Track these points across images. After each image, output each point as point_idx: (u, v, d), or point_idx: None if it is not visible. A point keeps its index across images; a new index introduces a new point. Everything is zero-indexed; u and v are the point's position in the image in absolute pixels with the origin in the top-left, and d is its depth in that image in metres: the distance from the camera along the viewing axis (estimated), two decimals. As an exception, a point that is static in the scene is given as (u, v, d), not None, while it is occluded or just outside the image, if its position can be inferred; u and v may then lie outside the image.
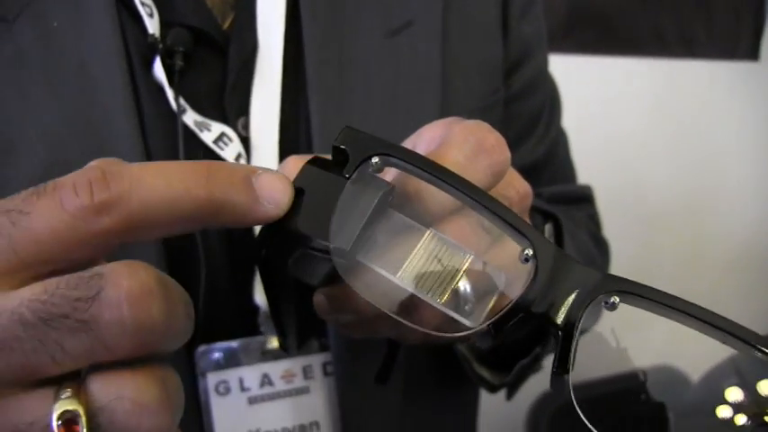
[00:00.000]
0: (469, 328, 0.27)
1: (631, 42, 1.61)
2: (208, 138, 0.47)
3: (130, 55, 0.46)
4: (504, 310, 0.26)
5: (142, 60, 0.47)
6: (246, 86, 0.49)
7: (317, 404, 0.50)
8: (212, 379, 0.48)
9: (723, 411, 0.29)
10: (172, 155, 0.46)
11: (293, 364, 0.50)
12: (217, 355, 0.48)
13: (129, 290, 0.22)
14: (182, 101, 0.46)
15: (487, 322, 0.27)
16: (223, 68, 0.49)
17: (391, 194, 0.29)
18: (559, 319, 0.26)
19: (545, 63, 0.64)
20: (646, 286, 0.26)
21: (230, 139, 0.48)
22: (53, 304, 0.22)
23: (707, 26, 1.69)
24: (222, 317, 0.49)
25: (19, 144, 0.44)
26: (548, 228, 0.52)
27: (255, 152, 0.48)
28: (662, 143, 1.64)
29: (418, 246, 0.28)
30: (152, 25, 0.46)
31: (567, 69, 0.68)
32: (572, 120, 0.68)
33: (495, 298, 0.28)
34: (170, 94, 0.46)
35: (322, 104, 0.49)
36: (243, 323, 0.49)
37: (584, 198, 0.69)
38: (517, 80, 0.59)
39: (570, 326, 0.26)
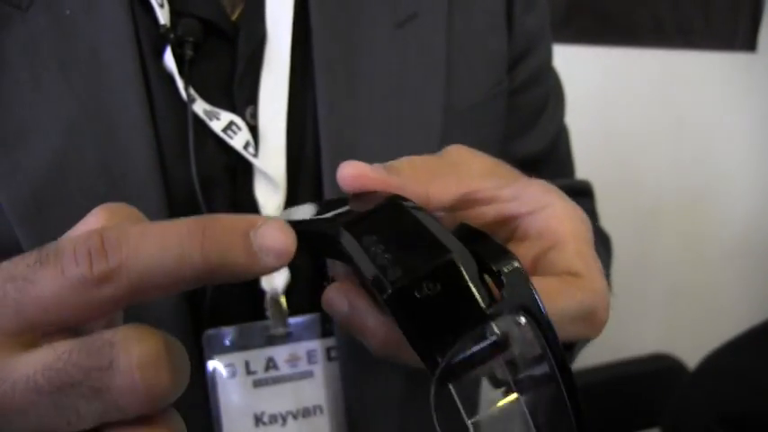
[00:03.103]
0: None
1: (629, 32, 1.61)
2: (217, 126, 0.48)
3: (141, 44, 0.47)
4: None
5: (153, 50, 0.47)
6: (255, 76, 0.50)
7: (320, 388, 0.51)
8: (219, 362, 0.49)
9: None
10: (182, 142, 0.47)
11: (298, 349, 0.51)
12: (224, 338, 0.49)
13: (139, 357, 0.23)
14: (191, 90, 0.47)
15: None
16: (232, 58, 0.50)
17: None
18: None
19: (549, 55, 0.65)
20: None
21: (239, 128, 0.48)
22: (67, 373, 0.23)
23: (705, 17, 1.69)
24: (229, 301, 0.49)
25: (32, 130, 0.44)
26: None
27: (263, 141, 0.49)
28: (659, 133, 1.64)
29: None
30: (163, 15, 0.47)
31: (564, 59, 0.68)
32: (569, 109, 0.69)
33: None
34: (180, 83, 0.47)
35: (329, 94, 0.50)
36: (249, 307, 0.50)
37: (585, 192, 0.69)
38: (521, 72, 0.59)
39: None
